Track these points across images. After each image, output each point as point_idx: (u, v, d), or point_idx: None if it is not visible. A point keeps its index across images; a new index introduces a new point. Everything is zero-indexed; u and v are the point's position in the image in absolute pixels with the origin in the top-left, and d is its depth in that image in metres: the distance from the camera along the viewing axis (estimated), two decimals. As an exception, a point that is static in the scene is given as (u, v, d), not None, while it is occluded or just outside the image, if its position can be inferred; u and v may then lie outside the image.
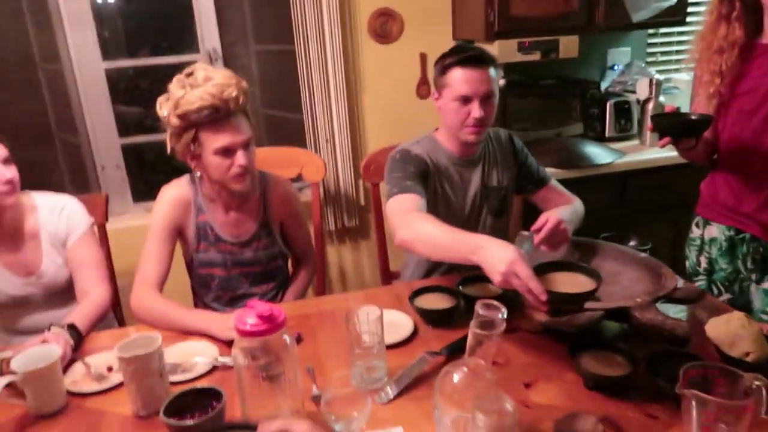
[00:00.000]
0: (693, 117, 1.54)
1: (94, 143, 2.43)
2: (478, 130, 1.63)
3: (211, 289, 1.71)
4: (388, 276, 2.23)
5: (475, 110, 1.59)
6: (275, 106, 2.86)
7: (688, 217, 1.83)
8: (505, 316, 1.02)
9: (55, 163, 2.85)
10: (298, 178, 2.24)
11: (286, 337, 1.05)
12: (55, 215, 1.66)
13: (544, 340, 1.32)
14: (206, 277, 1.70)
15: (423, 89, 2.63)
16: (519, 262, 1.11)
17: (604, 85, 2.88)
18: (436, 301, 1.46)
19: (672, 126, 1.54)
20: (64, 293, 1.70)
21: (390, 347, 1.31)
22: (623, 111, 2.68)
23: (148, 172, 2.94)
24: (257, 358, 1.06)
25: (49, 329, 1.38)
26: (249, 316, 1.02)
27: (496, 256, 1.14)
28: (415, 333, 1.39)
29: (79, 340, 1.41)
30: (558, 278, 1.27)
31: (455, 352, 1.27)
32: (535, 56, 2.38)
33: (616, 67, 2.91)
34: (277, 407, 1.11)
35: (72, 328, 1.40)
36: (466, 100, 1.59)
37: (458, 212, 1.72)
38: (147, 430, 1.14)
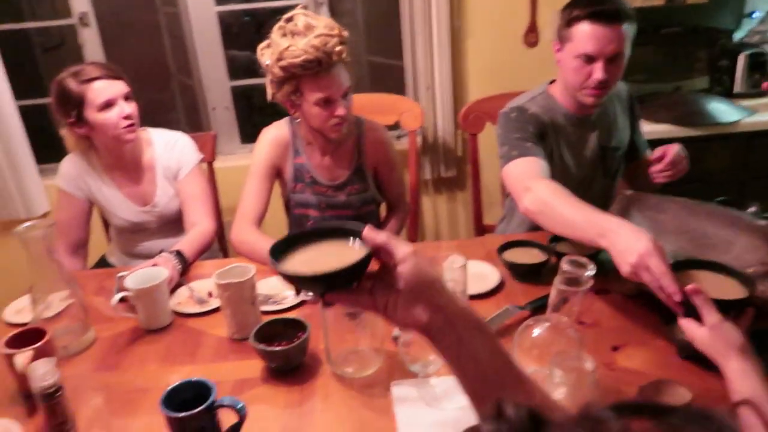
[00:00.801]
0: None
1: (206, 85, 2.56)
2: (599, 93, 1.48)
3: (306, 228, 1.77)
4: (481, 229, 2.20)
5: (598, 72, 1.44)
6: (378, 53, 2.84)
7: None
8: (593, 274, 0.98)
9: (172, 104, 3.04)
10: (396, 125, 2.23)
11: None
12: (169, 150, 1.79)
13: (636, 304, 1.25)
14: (301, 217, 1.76)
15: (531, 37, 2.50)
16: (653, 254, 0.99)
17: (738, 35, 2.58)
18: (526, 256, 1.43)
19: None
20: (175, 223, 1.84)
21: (474, 298, 1.31)
22: (758, 64, 2.39)
23: (256, 115, 3.05)
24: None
25: (159, 254, 1.50)
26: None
27: (628, 245, 1.02)
28: (500, 286, 1.37)
29: (185, 266, 1.53)
30: (699, 277, 1.12)
31: (540, 308, 1.24)
32: (659, 0, 2.17)
33: (755, 14, 2.59)
34: (357, 343, 1.15)
35: (179, 254, 1.52)
36: (589, 59, 1.44)
37: (571, 174, 1.62)
38: (239, 351, 1.22)
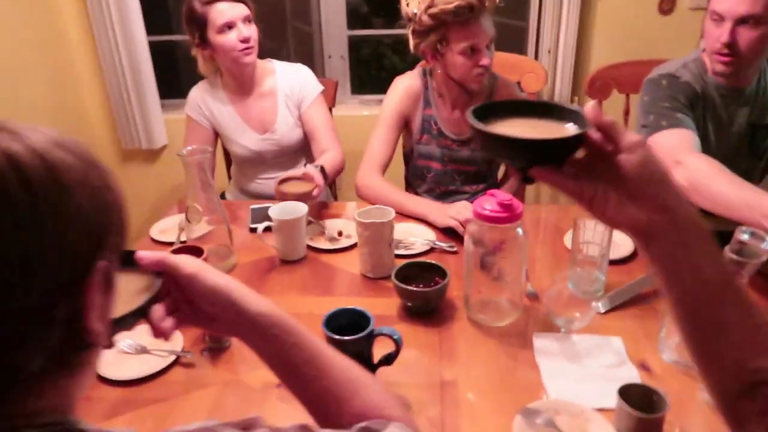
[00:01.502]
0: None
1: (325, 33, 2.58)
2: (726, 60, 1.38)
3: (425, 180, 1.79)
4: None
5: (724, 34, 1.35)
6: (499, 12, 2.76)
7: None
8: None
9: (285, 51, 3.09)
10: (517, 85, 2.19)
11: (520, 230, 1.08)
12: (292, 78, 1.84)
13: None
14: (423, 168, 1.77)
15: (666, 4, 2.36)
16: None
17: None
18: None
19: None
20: (293, 155, 1.90)
21: (611, 263, 1.28)
22: None
23: (363, 67, 3.07)
24: (485, 245, 1.11)
25: (305, 165, 1.56)
26: (489, 202, 1.06)
27: None
28: (636, 254, 1.34)
29: (325, 182, 1.57)
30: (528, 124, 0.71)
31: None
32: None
33: None
34: (493, 295, 1.16)
35: (323, 169, 1.57)
36: (720, 19, 1.36)
37: (712, 149, 1.52)
38: (373, 289, 1.27)
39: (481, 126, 0.59)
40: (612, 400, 0.91)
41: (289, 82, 1.84)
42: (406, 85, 1.70)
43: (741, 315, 0.54)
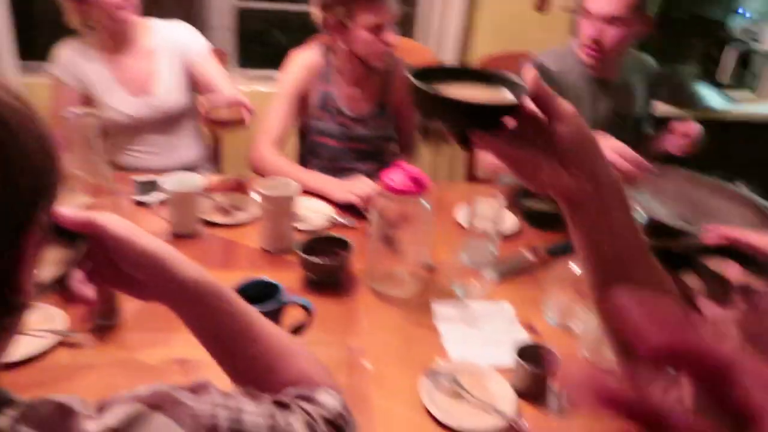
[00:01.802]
0: None
1: (211, 3, 2.46)
2: (592, 53, 1.54)
3: (320, 157, 1.78)
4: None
5: (592, 30, 1.51)
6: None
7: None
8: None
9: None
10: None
11: (425, 203, 1.12)
12: (175, 35, 1.72)
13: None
14: (318, 145, 1.77)
15: (541, 2, 2.54)
16: None
17: (731, 28, 2.72)
18: (541, 203, 1.50)
19: None
20: (176, 123, 1.76)
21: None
22: (745, 59, 2.55)
23: (256, 42, 2.97)
24: (391, 218, 1.14)
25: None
26: (398, 175, 1.08)
27: None
28: (520, 232, 1.45)
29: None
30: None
31: (557, 252, 1.33)
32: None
33: (743, 11, 2.74)
34: (393, 267, 1.20)
35: None
36: (590, 16, 1.51)
37: None
38: (274, 263, 1.25)
39: (427, 88, 0.56)
40: (506, 359, 0.99)
41: (171, 39, 1.71)
42: (306, 59, 1.68)
43: (650, 280, 0.59)
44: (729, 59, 2.54)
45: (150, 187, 1.48)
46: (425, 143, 2.67)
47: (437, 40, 2.47)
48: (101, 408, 0.46)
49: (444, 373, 0.94)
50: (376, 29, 1.54)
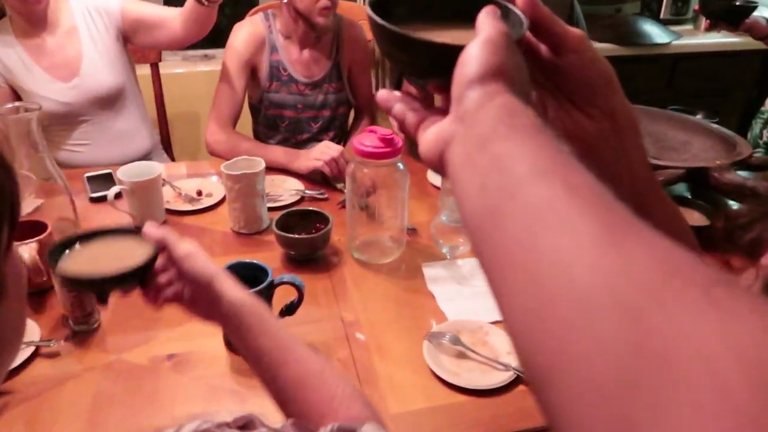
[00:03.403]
0: (737, 2, 1.55)
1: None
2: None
3: (278, 131, 1.72)
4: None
5: None
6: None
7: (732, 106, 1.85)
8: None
9: None
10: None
11: (401, 165, 1.09)
12: (88, 1, 1.59)
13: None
14: (275, 118, 1.70)
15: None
16: None
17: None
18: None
19: (718, 11, 1.56)
20: (111, 108, 1.63)
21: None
22: (681, -7, 2.59)
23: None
24: (365, 183, 1.11)
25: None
26: (369, 138, 1.05)
27: None
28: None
29: None
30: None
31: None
32: None
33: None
34: (374, 235, 1.17)
35: None
36: None
37: None
38: (249, 244, 1.20)
39: (385, 23, 0.41)
40: (503, 312, 0.99)
41: (89, 6, 1.57)
42: (248, 31, 1.59)
43: (666, 213, 0.55)
44: (667, -5, 2.58)
45: (104, 180, 1.39)
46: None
47: None
48: None
49: (445, 332, 0.93)
50: None
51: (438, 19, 0.46)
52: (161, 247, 0.65)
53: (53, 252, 0.64)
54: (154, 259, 0.63)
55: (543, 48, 0.46)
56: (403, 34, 0.41)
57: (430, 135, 0.39)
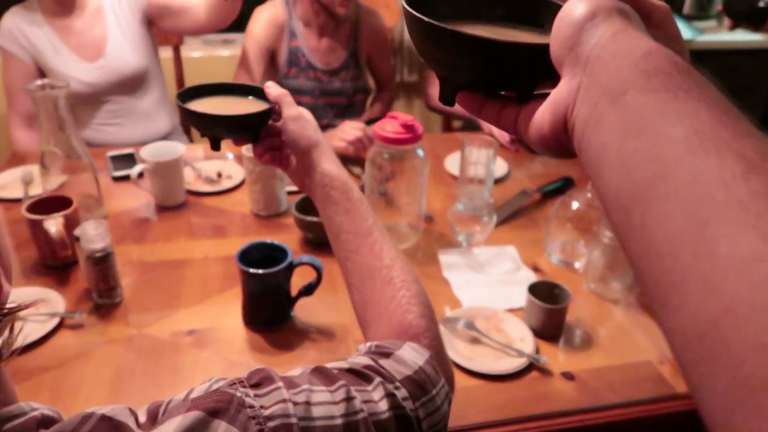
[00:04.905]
0: (761, 4, 1.53)
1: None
2: None
3: (297, 117, 1.73)
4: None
5: None
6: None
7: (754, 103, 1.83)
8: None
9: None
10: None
11: (420, 151, 1.09)
12: None
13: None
14: (294, 104, 1.71)
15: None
16: None
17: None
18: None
19: (742, 11, 1.54)
20: (137, 88, 1.65)
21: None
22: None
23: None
24: (385, 168, 1.12)
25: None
26: (390, 124, 1.05)
27: None
28: (509, 174, 1.44)
29: None
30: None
31: (549, 192, 1.34)
32: None
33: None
34: (396, 219, 1.18)
35: None
36: None
37: None
38: (269, 227, 1.22)
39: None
40: (517, 300, 1.00)
41: None
42: (269, 15, 1.61)
43: None
44: (691, -11, 2.55)
45: (126, 160, 1.42)
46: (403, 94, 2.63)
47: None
48: (153, 417, 0.42)
49: (460, 318, 0.94)
50: None
51: (483, 20, 0.43)
52: (276, 105, 0.70)
53: (182, 94, 0.72)
54: (270, 111, 0.70)
55: None
56: (471, 36, 0.35)
57: (544, 106, 0.33)
